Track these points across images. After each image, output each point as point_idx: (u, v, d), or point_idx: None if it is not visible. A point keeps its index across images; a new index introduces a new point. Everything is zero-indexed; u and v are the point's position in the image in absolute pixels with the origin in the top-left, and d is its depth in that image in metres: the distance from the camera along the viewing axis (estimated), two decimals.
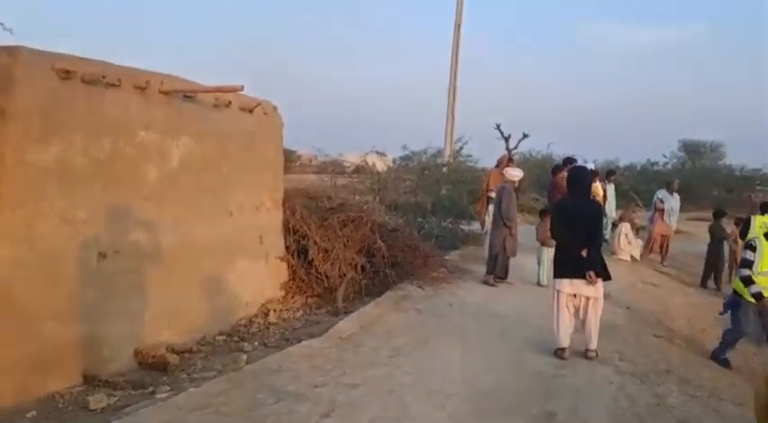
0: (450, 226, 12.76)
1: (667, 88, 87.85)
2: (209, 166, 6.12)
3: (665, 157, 36.59)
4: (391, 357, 5.45)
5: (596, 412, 4.55)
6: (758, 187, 30.47)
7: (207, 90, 5.85)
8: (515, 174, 9.35)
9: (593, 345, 5.79)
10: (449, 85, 19.42)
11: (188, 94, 5.78)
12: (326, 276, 7.62)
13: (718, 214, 11.76)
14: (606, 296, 6.40)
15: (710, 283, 11.27)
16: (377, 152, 15.87)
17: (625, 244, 11.88)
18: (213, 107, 6.19)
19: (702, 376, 5.92)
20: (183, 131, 5.72)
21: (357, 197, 11.14)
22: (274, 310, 6.86)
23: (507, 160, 11.62)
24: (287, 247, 7.70)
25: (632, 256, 11.97)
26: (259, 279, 7.01)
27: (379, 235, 8.44)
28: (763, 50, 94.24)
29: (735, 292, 6.89)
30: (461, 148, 19.28)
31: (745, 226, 10.66)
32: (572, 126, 71.99)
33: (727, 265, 11.43)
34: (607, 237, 13.24)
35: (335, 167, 15.42)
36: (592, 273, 5.64)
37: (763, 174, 33.07)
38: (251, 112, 6.86)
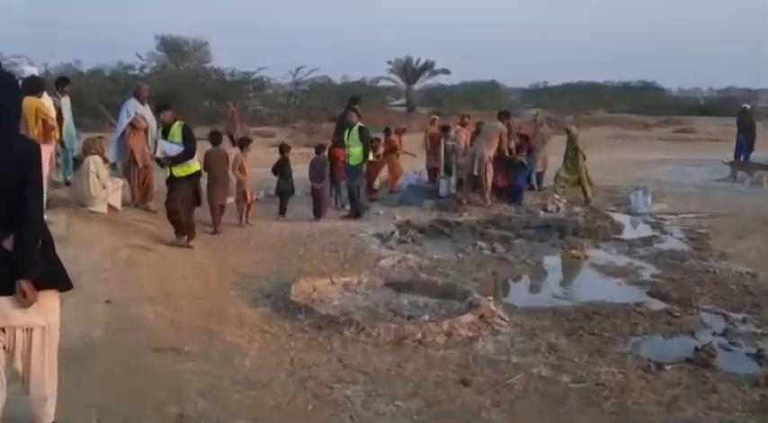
0: None
1: None
2: None
3: (141, 58, 31.31)
4: None
5: None
6: (251, 95, 29.28)
7: None
8: None
9: (49, 416, 2.89)
10: None
11: None
12: None
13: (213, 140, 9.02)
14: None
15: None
16: None
17: (98, 189, 7.93)
18: None
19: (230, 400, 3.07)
20: None
21: None
22: None
23: None
24: None
25: (111, 206, 8.19)
26: None
27: None
28: None
29: None
30: None
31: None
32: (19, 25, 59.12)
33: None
34: (70, 178, 9.09)
35: None
36: (24, 283, 2.62)
37: (256, 78, 30.79)
38: None
